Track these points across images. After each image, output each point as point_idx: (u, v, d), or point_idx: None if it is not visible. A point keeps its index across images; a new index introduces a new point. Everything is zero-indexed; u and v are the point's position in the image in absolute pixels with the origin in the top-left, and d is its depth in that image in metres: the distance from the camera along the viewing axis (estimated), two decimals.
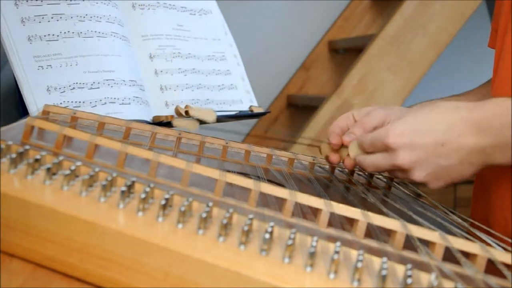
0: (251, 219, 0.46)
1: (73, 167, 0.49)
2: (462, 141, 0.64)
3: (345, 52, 2.64)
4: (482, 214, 0.81)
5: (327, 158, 0.78)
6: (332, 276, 0.42)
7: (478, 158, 0.64)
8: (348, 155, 0.75)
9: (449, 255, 0.51)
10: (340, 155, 0.77)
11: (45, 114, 0.74)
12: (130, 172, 0.56)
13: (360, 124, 0.76)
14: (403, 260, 0.49)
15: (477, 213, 0.83)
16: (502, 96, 0.74)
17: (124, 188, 0.46)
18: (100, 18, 0.96)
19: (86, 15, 0.95)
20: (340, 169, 0.88)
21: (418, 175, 0.66)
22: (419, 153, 0.65)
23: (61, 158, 0.50)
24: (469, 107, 0.65)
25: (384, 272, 0.42)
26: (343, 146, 0.76)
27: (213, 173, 0.55)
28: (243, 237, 0.43)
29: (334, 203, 0.54)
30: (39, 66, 0.87)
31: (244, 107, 1.12)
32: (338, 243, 0.45)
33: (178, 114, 0.98)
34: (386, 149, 0.67)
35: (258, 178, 0.66)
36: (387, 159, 0.67)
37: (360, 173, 0.89)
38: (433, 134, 0.65)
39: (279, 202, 0.54)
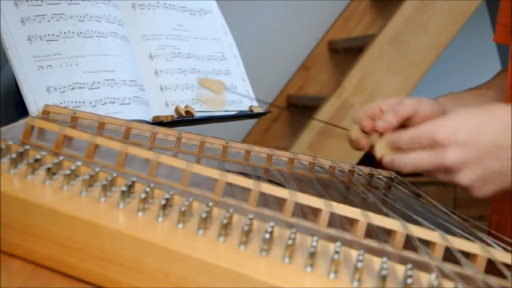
0: (251, 219, 0.46)
1: (73, 167, 0.49)
2: None
3: (345, 52, 2.64)
4: (499, 220, 0.80)
5: (356, 141, 0.73)
6: (332, 276, 0.42)
7: None
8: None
9: (449, 255, 0.51)
10: (370, 140, 0.73)
11: (45, 114, 0.74)
12: (130, 172, 0.56)
13: (394, 112, 0.71)
14: (403, 260, 0.49)
15: (493, 218, 0.82)
16: None
17: (124, 188, 0.46)
18: (100, 18, 0.96)
19: (86, 15, 0.95)
20: (340, 169, 0.88)
21: (464, 178, 0.60)
22: (471, 152, 0.59)
23: (61, 158, 0.50)
24: None
25: (384, 272, 0.42)
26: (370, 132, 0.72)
27: (213, 173, 0.55)
28: (243, 237, 0.43)
29: (334, 203, 0.54)
30: (39, 66, 0.87)
31: (244, 107, 1.12)
32: (338, 243, 0.45)
33: (178, 114, 0.98)
34: (433, 146, 0.60)
35: (258, 178, 0.66)
36: (433, 157, 0.60)
37: (361, 173, 0.89)
38: (491, 134, 0.59)
39: (279, 202, 0.54)
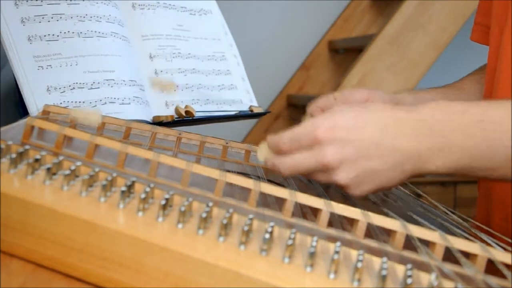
0: (251, 219, 0.46)
1: (73, 167, 0.49)
2: (398, 143, 0.58)
3: (345, 52, 2.64)
4: (484, 215, 0.81)
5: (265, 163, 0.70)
6: (332, 276, 0.42)
7: (412, 163, 0.58)
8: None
9: (449, 255, 0.51)
10: None
11: (45, 114, 0.74)
12: (130, 172, 0.56)
13: (343, 100, 0.72)
14: (403, 260, 0.49)
15: (480, 214, 0.83)
16: (504, 96, 0.74)
17: (124, 188, 0.46)
18: (100, 18, 0.96)
19: (86, 15, 0.95)
20: None
21: (342, 177, 0.59)
22: (349, 151, 0.58)
23: (61, 158, 0.50)
24: (407, 109, 0.60)
25: (384, 272, 0.42)
26: None
27: (213, 173, 0.55)
28: (243, 237, 0.43)
29: (334, 203, 0.54)
30: (39, 66, 0.87)
31: (244, 107, 1.12)
32: (338, 243, 0.45)
33: (178, 114, 0.98)
34: (312, 144, 0.59)
35: (258, 178, 0.66)
36: (312, 156, 0.59)
37: None
38: (368, 132, 0.58)
39: (279, 202, 0.54)
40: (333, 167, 0.58)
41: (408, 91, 0.82)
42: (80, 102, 0.89)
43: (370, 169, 0.58)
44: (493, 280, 0.47)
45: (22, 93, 0.85)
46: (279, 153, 0.62)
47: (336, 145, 0.58)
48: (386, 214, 0.56)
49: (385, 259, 0.45)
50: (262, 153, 0.65)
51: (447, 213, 0.69)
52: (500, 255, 0.50)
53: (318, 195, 0.55)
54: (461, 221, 0.66)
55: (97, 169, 0.50)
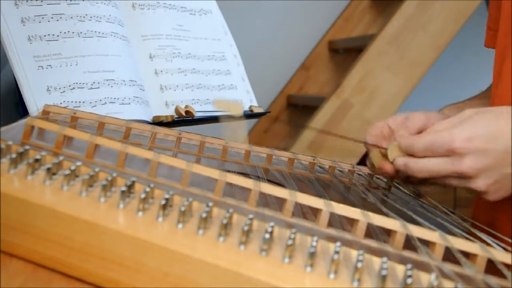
0: (251, 219, 0.46)
1: (73, 167, 0.49)
2: None
3: (345, 52, 2.64)
4: (486, 218, 0.81)
5: (380, 169, 0.73)
6: (332, 276, 0.42)
7: None
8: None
9: (449, 255, 0.51)
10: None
11: (45, 114, 0.74)
12: (130, 172, 0.56)
13: (404, 127, 0.73)
14: (403, 260, 0.49)
15: (480, 217, 0.83)
16: (505, 99, 0.74)
17: (124, 188, 0.46)
18: (100, 18, 0.96)
19: (86, 15, 0.95)
20: (340, 169, 0.88)
21: (481, 183, 0.63)
22: (487, 159, 0.62)
23: (61, 158, 0.50)
24: None
25: (384, 272, 0.42)
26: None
27: (213, 173, 0.55)
28: (243, 237, 0.43)
29: (334, 203, 0.54)
30: (39, 66, 0.87)
31: (244, 107, 1.12)
32: (338, 243, 0.45)
33: (178, 114, 0.98)
34: (449, 154, 0.63)
35: (258, 178, 0.66)
36: (449, 165, 0.63)
37: (361, 173, 0.89)
38: (503, 140, 0.61)
39: (279, 202, 0.54)
40: (470, 175, 0.63)
41: (450, 107, 0.83)
42: (80, 102, 0.89)
43: (507, 175, 0.62)
44: (493, 280, 0.47)
45: (22, 93, 0.85)
46: (410, 155, 0.67)
47: (474, 156, 0.62)
48: (386, 214, 0.56)
49: (385, 259, 0.45)
50: (393, 152, 0.69)
51: (447, 213, 0.69)
52: (500, 255, 0.50)
53: (318, 195, 0.55)
54: (461, 221, 0.66)
55: (97, 169, 0.50)
